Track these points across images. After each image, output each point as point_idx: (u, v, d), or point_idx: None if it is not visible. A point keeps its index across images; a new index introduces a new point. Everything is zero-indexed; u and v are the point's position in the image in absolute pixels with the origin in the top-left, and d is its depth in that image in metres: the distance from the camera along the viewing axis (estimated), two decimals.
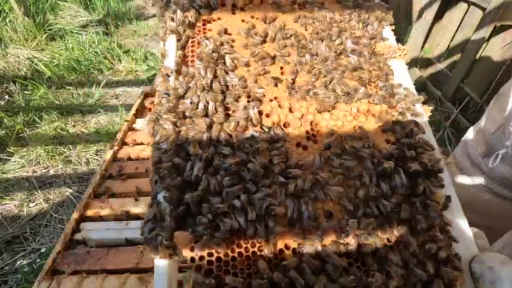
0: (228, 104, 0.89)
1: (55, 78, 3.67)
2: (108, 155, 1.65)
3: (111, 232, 1.30)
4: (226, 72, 0.94)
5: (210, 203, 0.72)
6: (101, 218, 1.38)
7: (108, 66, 4.02)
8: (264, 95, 0.91)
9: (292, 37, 1.05)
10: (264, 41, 1.04)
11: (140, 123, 1.91)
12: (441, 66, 3.37)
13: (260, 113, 0.88)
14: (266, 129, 0.86)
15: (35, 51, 3.95)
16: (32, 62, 3.75)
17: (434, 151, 0.87)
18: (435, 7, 3.26)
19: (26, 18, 4.04)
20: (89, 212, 1.38)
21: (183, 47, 1.00)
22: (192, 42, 1.02)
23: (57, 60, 3.81)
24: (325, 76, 0.97)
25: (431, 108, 0.98)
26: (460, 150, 1.50)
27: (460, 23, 3.09)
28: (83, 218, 1.37)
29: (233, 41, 1.03)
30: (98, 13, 4.93)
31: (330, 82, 0.96)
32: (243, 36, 1.05)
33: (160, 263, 0.70)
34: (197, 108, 0.86)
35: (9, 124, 2.94)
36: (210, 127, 0.83)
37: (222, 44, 1.00)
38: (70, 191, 2.51)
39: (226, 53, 0.97)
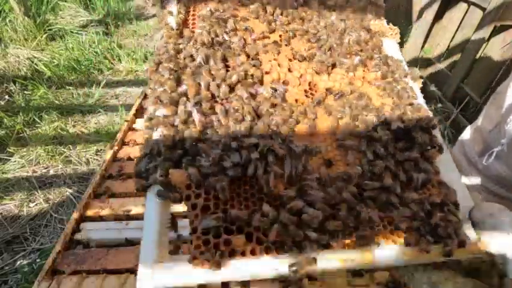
0: (227, 60, 0.91)
1: (55, 78, 3.66)
2: (108, 155, 1.65)
3: (111, 232, 1.30)
4: (227, 33, 0.97)
5: (207, 142, 0.72)
6: (101, 218, 1.38)
7: (108, 66, 4.01)
8: (262, 50, 0.95)
9: (292, 11, 1.09)
10: (265, 11, 1.08)
11: (140, 123, 1.91)
12: (441, 66, 3.37)
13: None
14: (272, 87, 0.88)
15: (35, 51, 3.94)
16: (32, 62, 3.75)
17: (427, 112, 0.91)
18: (435, 7, 3.26)
19: (26, 18, 4.03)
20: (89, 212, 1.37)
21: (185, 11, 1.03)
22: (194, 6, 1.05)
23: (57, 60, 3.81)
24: (322, 45, 1.02)
25: (422, 80, 1.04)
26: (457, 149, 1.50)
27: (460, 23, 3.09)
28: (83, 218, 1.36)
29: (235, 9, 1.07)
30: (98, 13, 4.92)
31: (329, 49, 1.01)
32: (244, 8, 1.08)
33: (151, 206, 0.68)
34: (195, 61, 0.88)
35: (9, 124, 2.94)
36: (213, 78, 0.85)
37: (224, 10, 1.03)
38: (70, 191, 2.51)
39: (227, 17, 1.01)
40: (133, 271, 1.14)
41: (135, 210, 1.37)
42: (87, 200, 1.40)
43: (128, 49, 4.33)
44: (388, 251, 0.68)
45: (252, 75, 0.88)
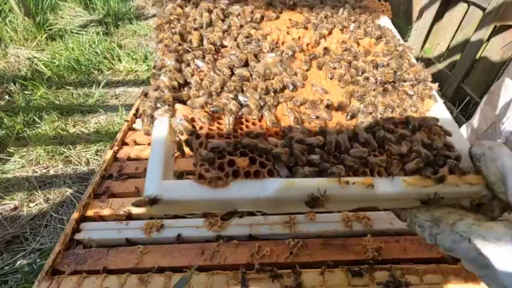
0: (230, 25, 0.96)
1: (55, 78, 3.67)
2: (108, 155, 1.65)
3: (111, 232, 1.30)
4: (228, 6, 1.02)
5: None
6: (101, 218, 1.38)
7: (108, 66, 4.02)
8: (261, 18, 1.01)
9: None
10: None
11: (140, 123, 1.91)
12: (441, 66, 3.37)
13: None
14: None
15: (35, 51, 3.95)
16: (32, 62, 3.75)
17: (422, 67, 0.93)
18: (435, 7, 3.26)
19: (26, 18, 4.04)
20: (89, 212, 1.37)
21: None
22: None
23: (57, 60, 3.81)
24: (318, 13, 1.07)
25: (413, 48, 1.05)
26: None
27: (460, 23, 3.09)
28: (83, 218, 1.37)
29: None
30: (98, 13, 4.93)
31: (325, 17, 1.05)
32: None
33: (157, 134, 0.69)
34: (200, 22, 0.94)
35: (9, 124, 2.94)
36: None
37: None
38: (70, 191, 2.51)
39: None
40: (133, 271, 1.15)
41: (135, 210, 1.37)
42: (87, 200, 1.40)
43: (128, 49, 4.34)
44: (388, 177, 0.67)
45: (251, 34, 0.93)
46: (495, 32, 2.69)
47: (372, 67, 0.91)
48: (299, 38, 0.98)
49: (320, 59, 0.93)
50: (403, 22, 3.92)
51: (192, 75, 0.79)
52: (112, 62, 4.04)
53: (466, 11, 2.99)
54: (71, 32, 4.41)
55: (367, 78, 0.87)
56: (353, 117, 0.78)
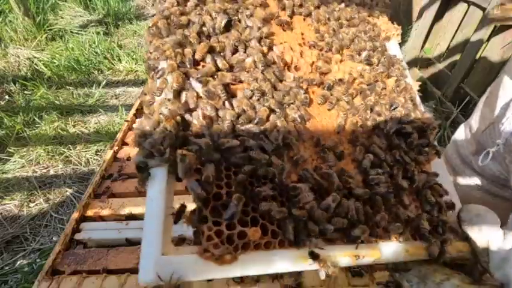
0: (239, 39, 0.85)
1: (55, 78, 3.67)
2: (108, 155, 1.65)
3: (111, 232, 1.30)
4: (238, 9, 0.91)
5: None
6: (101, 218, 1.38)
7: (108, 66, 4.02)
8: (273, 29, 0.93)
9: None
10: None
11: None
12: (441, 66, 3.37)
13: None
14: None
15: (35, 51, 3.95)
16: (32, 62, 3.75)
17: (426, 115, 0.95)
18: (435, 7, 3.26)
19: (26, 18, 4.04)
20: (89, 212, 1.37)
21: None
22: None
23: (57, 60, 3.81)
24: (334, 31, 1.02)
25: (419, 83, 1.05)
26: (450, 148, 1.50)
27: (460, 23, 3.09)
28: (83, 218, 1.37)
29: None
30: (98, 13, 4.93)
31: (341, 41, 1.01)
32: None
33: (155, 188, 0.60)
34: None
35: (9, 124, 2.94)
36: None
37: None
38: (70, 191, 2.51)
39: None
40: (133, 271, 1.15)
41: (135, 210, 1.37)
42: (87, 200, 1.40)
43: (128, 49, 4.34)
44: (393, 247, 0.69)
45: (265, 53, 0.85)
46: (495, 32, 2.68)
47: (385, 109, 0.89)
48: (312, 63, 0.92)
49: (333, 96, 0.88)
50: (403, 22, 3.92)
51: (196, 109, 0.68)
52: (112, 62, 4.04)
53: (466, 11, 2.99)
54: (71, 32, 4.40)
55: (376, 122, 0.86)
56: (363, 172, 0.78)
